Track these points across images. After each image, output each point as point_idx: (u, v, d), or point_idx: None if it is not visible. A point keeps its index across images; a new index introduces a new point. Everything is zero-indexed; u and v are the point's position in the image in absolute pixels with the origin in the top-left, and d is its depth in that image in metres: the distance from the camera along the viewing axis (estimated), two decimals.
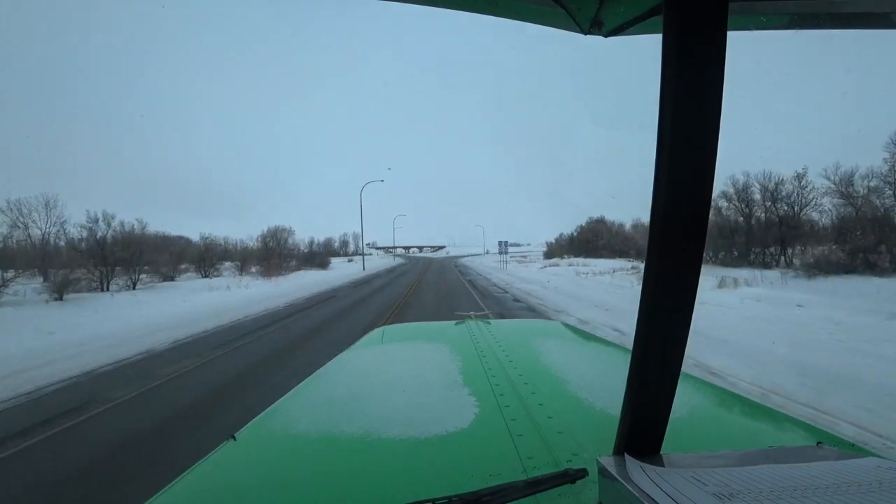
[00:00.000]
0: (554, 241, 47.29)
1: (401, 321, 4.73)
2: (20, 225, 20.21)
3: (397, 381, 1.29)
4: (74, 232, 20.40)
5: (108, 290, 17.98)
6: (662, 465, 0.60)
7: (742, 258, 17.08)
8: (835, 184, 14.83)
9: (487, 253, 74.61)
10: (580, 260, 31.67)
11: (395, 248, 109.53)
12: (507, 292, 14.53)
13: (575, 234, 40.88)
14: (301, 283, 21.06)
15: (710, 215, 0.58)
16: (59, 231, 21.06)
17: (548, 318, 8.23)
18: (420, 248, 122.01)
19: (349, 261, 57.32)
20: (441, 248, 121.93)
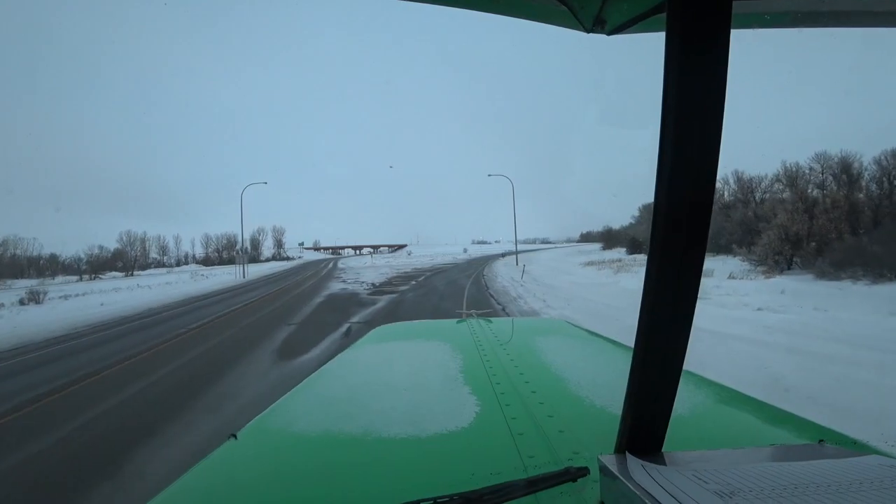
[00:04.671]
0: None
1: None
2: None
3: (398, 380, 1.29)
4: None
5: None
6: (664, 463, 0.60)
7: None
8: None
9: (478, 259, 40.73)
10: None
11: (338, 248, 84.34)
12: None
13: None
14: None
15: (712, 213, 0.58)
16: None
17: None
18: (375, 248, 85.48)
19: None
20: (401, 247, 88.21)
